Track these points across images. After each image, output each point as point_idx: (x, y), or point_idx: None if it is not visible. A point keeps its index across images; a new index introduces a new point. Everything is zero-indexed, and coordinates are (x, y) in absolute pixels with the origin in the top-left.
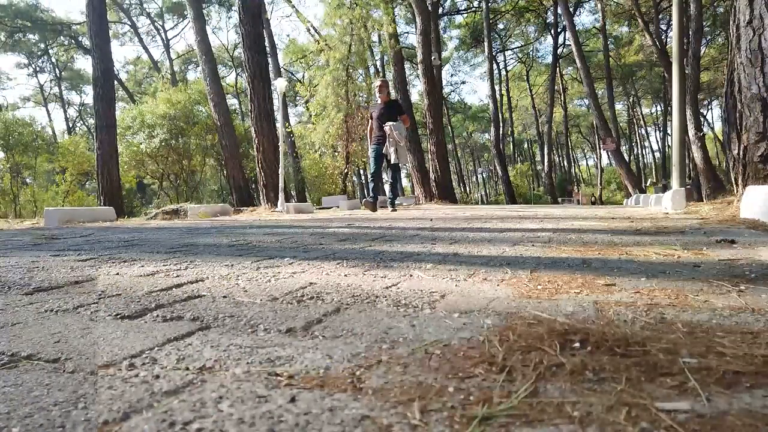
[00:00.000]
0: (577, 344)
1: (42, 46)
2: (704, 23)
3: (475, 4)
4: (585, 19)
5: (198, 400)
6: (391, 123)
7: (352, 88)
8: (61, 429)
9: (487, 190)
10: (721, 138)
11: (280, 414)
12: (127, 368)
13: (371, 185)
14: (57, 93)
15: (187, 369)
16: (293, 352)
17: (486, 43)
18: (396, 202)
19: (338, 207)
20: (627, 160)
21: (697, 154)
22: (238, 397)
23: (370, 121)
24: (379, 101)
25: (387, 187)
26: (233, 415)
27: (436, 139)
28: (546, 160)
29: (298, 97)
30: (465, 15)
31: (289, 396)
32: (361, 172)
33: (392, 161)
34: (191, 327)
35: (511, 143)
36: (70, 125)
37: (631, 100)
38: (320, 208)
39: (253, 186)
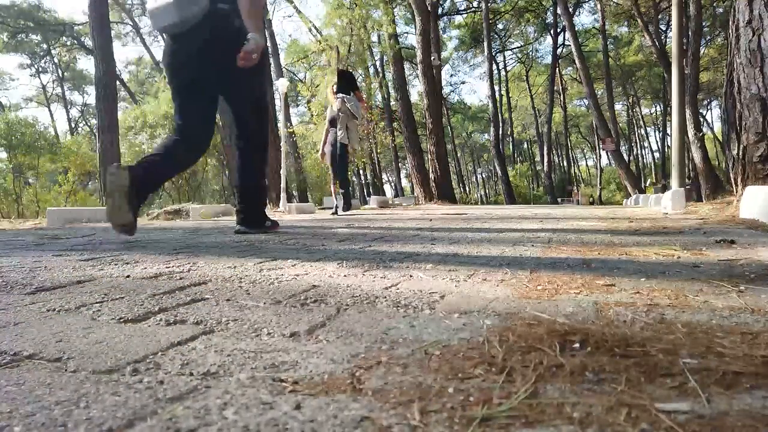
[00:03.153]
0: (576, 345)
1: (44, 46)
2: (704, 23)
3: (475, 4)
4: (585, 19)
5: (202, 407)
6: (344, 95)
7: None
8: (62, 428)
9: (487, 191)
10: (720, 138)
11: (277, 413)
12: (131, 374)
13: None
14: (59, 93)
15: (192, 374)
16: (294, 355)
17: (485, 44)
18: (343, 203)
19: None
20: (626, 160)
21: (696, 154)
22: (239, 399)
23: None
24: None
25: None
26: (236, 422)
27: (435, 139)
28: (545, 160)
29: (299, 97)
30: (465, 15)
31: (291, 398)
32: (361, 172)
33: (338, 139)
34: (195, 331)
35: (511, 143)
36: (73, 125)
37: (630, 100)
38: (322, 208)
39: None
